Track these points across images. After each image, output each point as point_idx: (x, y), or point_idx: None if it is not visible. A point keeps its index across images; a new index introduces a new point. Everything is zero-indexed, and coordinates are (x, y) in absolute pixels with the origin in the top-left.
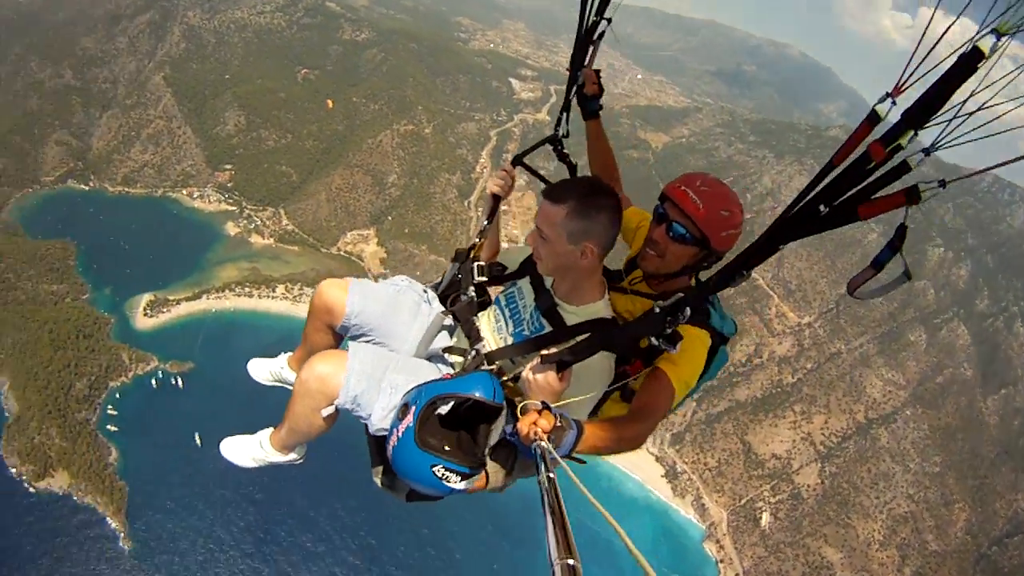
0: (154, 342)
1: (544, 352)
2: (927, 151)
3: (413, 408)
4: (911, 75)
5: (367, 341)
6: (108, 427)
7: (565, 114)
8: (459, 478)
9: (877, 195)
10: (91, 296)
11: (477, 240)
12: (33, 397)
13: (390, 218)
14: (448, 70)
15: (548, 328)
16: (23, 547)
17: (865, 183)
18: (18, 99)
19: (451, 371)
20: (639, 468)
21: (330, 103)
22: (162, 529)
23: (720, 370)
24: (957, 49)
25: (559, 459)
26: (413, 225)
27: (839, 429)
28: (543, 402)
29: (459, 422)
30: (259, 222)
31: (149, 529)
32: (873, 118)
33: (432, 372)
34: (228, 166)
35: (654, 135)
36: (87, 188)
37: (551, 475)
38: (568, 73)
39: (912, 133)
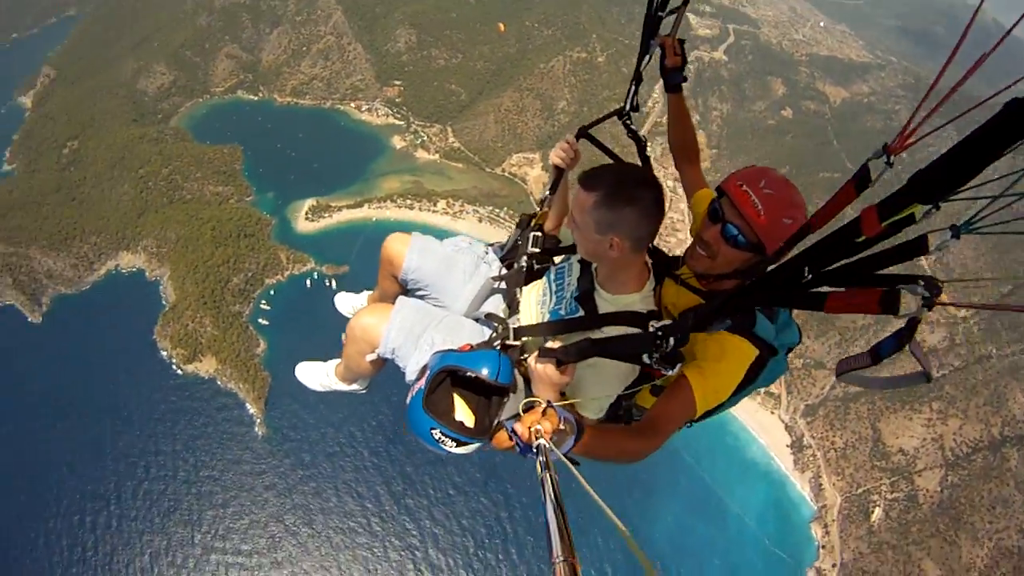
0: (312, 245)
1: (545, 346)
2: (956, 231)
3: (427, 373)
4: (922, 120)
5: (421, 295)
6: (260, 320)
7: (634, 86)
8: (454, 444)
9: (854, 287)
10: (255, 199)
11: (539, 209)
12: (191, 288)
13: (554, 143)
14: None
15: (581, 312)
16: (165, 422)
17: (859, 257)
18: (188, 16)
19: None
20: (767, 432)
21: (502, 27)
22: (297, 419)
23: (776, 380)
24: (1002, 90)
25: (562, 456)
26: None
27: (972, 438)
28: (548, 402)
29: (483, 388)
30: (425, 138)
31: (284, 418)
32: (862, 181)
33: (475, 334)
34: (397, 82)
35: (833, 88)
36: (256, 98)
37: (553, 475)
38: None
39: (926, 206)
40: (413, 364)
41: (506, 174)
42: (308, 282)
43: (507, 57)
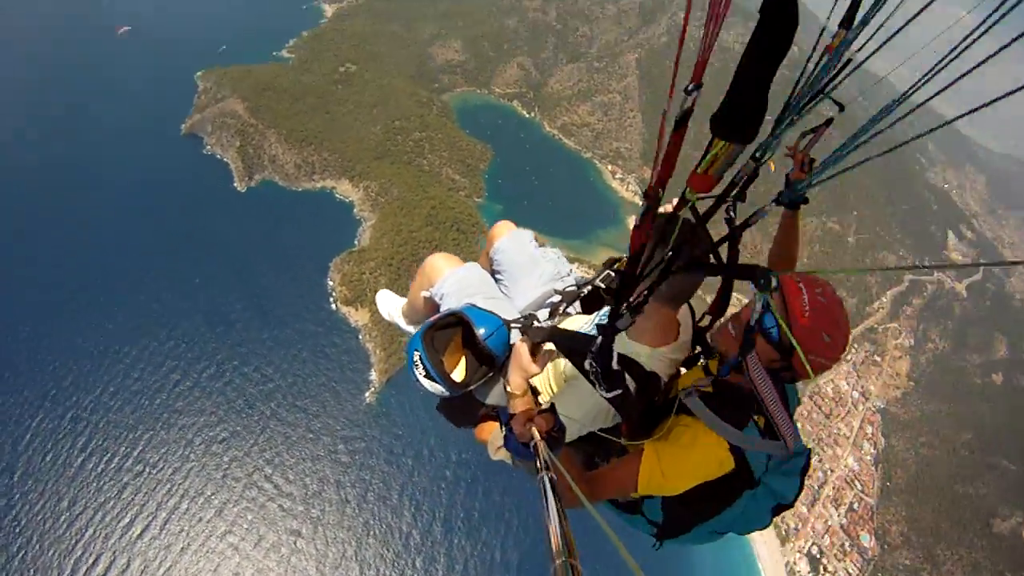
0: None
1: (533, 324)
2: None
3: (447, 310)
4: None
5: (498, 278)
6: None
7: (742, 176)
8: (423, 373)
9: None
10: (483, 203)
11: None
12: (385, 244)
13: None
14: (898, 195)
15: (596, 337)
16: (296, 344)
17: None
18: (499, 13)
19: None
20: None
21: (771, 165)
22: (408, 409)
23: (749, 530)
24: None
25: (553, 458)
26: None
27: None
28: (552, 403)
29: (482, 356)
30: None
31: (397, 402)
32: None
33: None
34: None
35: None
36: (527, 115)
37: (551, 475)
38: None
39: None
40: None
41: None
42: None
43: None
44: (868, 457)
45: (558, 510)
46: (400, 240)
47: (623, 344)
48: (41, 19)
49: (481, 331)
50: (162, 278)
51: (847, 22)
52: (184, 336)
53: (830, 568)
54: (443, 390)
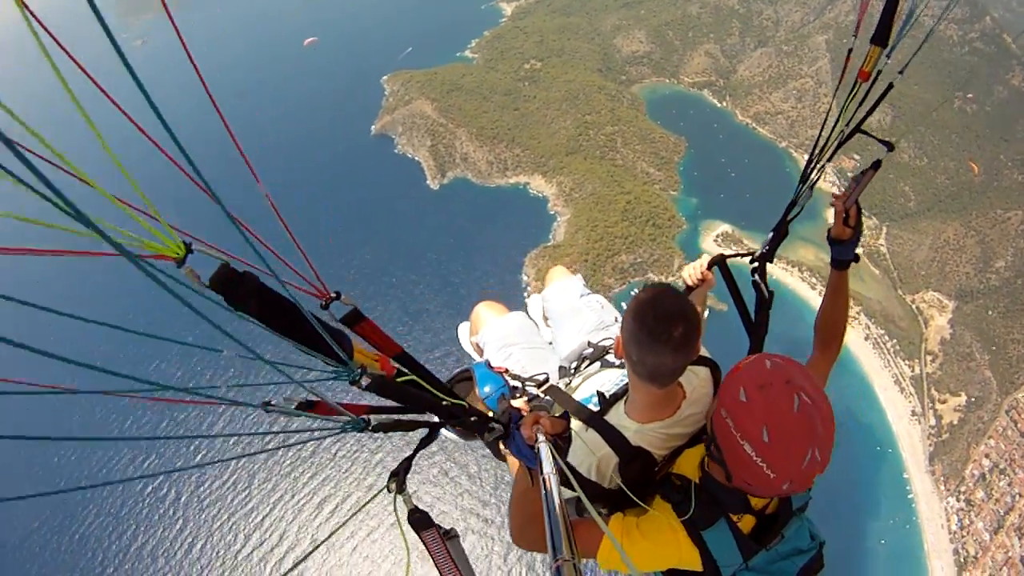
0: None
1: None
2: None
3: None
4: None
5: (550, 323)
6: (622, 304)
7: (772, 234)
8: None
9: None
10: (678, 196)
11: None
12: (580, 239)
13: (976, 304)
14: None
15: (596, 407)
16: None
17: None
18: (680, 1)
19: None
20: None
21: (975, 167)
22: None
23: None
24: None
25: (561, 461)
26: (991, 326)
27: None
28: (565, 411)
29: None
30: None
31: None
32: None
33: (552, 370)
34: (856, 156)
35: None
36: (718, 105)
37: (555, 475)
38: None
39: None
40: (488, 358)
41: (914, 306)
42: None
43: (967, 186)
44: None
45: (560, 510)
46: (596, 236)
47: (617, 416)
48: (230, 37)
49: (486, 389)
50: (360, 274)
51: (881, 38)
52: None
53: None
54: (461, 440)
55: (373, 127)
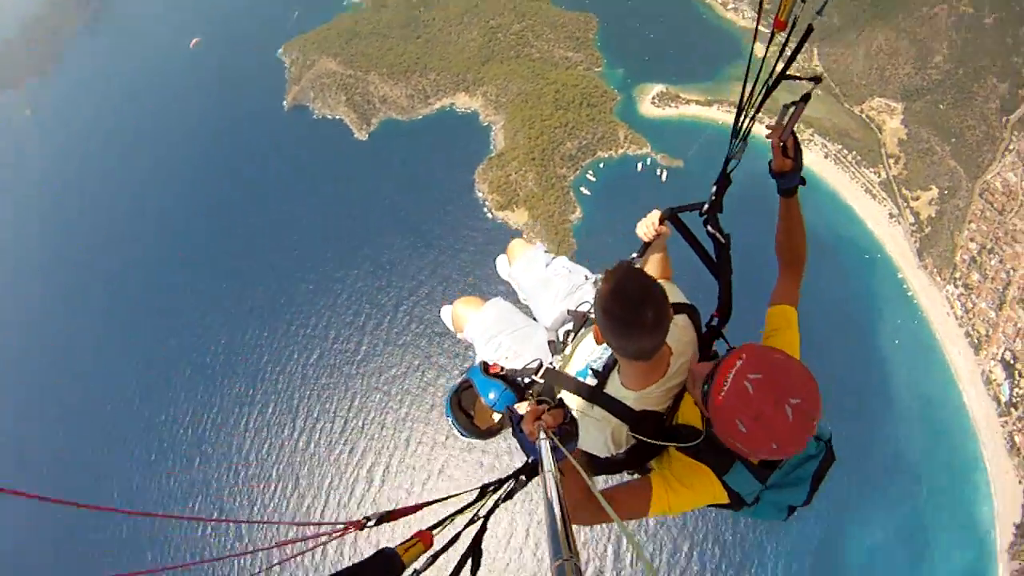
0: (652, 130)
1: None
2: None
3: (464, 376)
4: None
5: (525, 301)
6: (581, 189)
7: (715, 187)
8: (458, 432)
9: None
10: (603, 71)
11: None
12: (522, 141)
13: (924, 100)
14: None
15: (593, 381)
16: (466, 249)
17: None
18: None
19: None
20: None
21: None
22: None
23: (766, 521)
24: None
25: (566, 452)
26: (944, 119)
27: None
28: (560, 399)
29: None
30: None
31: None
32: None
33: (540, 349)
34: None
35: None
36: None
37: (555, 472)
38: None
39: None
40: (480, 356)
41: (863, 116)
42: (640, 165)
43: None
44: None
45: (561, 509)
46: (535, 132)
47: (615, 387)
48: (119, 70)
49: (490, 396)
50: (322, 241)
51: None
52: (356, 287)
53: None
54: (479, 441)
55: (284, 102)
